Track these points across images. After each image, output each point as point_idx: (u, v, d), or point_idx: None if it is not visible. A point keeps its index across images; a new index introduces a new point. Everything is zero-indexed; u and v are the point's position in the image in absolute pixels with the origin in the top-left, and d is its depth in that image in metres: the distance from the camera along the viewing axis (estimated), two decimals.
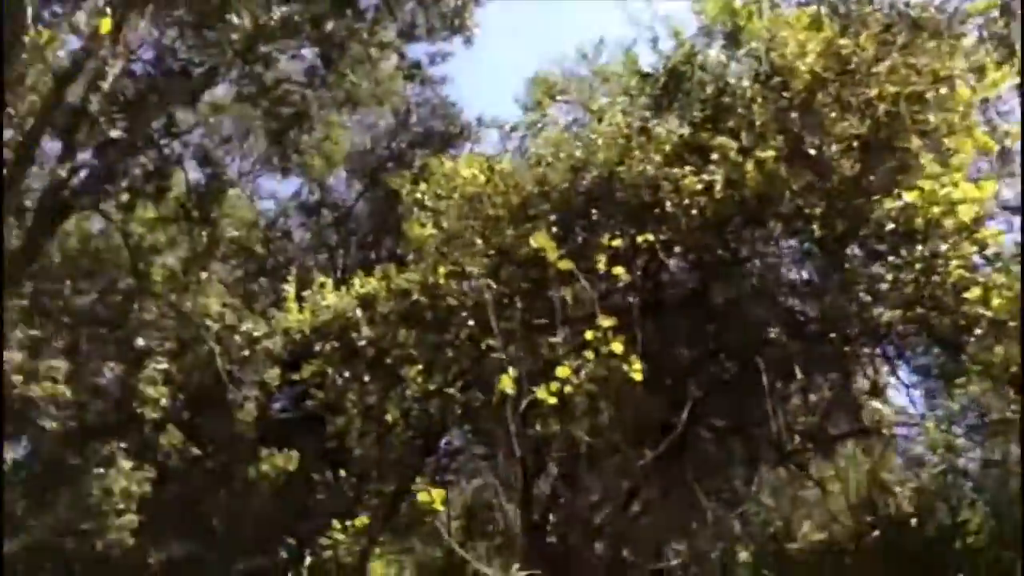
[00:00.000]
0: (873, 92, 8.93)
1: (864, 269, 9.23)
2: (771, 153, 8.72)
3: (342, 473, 18.72)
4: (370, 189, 25.09)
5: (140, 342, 20.23)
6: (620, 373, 6.16)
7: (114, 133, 13.11)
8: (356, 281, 11.88)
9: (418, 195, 11.37)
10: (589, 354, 6.10)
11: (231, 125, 22.16)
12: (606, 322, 5.91)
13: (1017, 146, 9.49)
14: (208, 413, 21.65)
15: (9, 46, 9.15)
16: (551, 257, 5.56)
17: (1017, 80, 9.19)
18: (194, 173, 16.41)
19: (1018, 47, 9.06)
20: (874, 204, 8.56)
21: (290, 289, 12.31)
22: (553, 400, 5.85)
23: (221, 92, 16.96)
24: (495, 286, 9.64)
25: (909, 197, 7.91)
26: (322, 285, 11.90)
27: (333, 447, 16.34)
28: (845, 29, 9.45)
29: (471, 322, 9.87)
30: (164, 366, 19.81)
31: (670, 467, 8.38)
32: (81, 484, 18.96)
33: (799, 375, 10.02)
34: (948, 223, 7.94)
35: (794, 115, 9.28)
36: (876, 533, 8.72)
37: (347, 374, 12.05)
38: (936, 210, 7.91)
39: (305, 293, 12.13)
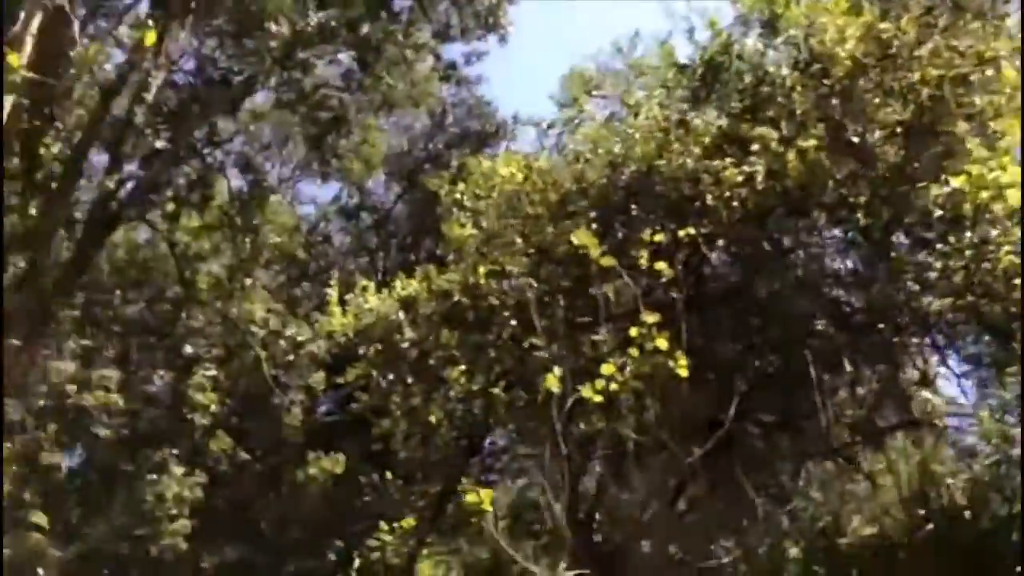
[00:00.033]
0: (916, 76, 8.75)
1: (911, 257, 9.05)
2: (812, 142, 8.59)
3: (388, 475, 18.86)
4: (408, 191, 25.24)
5: (188, 349, 20.59)
6: (665, 369, 6.10)
7: (159, 144, 13.39)
8: (397, 283, 11.94)
9: (457, 195, 11.39)
10: (633, 351, 6.04)
11: (270, 132, 22.46)
12: (650, 318, 5.85)
13: None
14: (255, 418, 21.96)
15: (56, 61, 9.39)
16: (593, 254, 5.52)
17: None
18: (236, 181, 16.71)
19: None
20: (920, 191, 8.38)
21: (333, 293, 12.41)
22: (599, 398, 5.80)
23: (260, 99, 17.22)
24: (536, 285, 9.62)
25: (956, 182, 7.73)
26: (364, 288, 11.97)
27: (379, 449, 16.47)
28: (885, 13, 9.27)
29: (513, 322, 9.85)
30: (212, 372, 20.13)
31: (717, 463, 8.28)
32: (135, 490, 19.32)
33: (847, 367, 9.87)
34: (997, 208, 7.74)
35: (835, 102, 9.13)
36: (929, 527, 8.54)
37: (390, 376, 12.12)
38: (984, 195, 7.71)
39: (347, 297, 12.22)
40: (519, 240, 10.36)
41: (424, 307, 11.49)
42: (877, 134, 8.90)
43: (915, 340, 9.91)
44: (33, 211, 12.07)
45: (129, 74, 12.92)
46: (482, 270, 10.69)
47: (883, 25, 8.99)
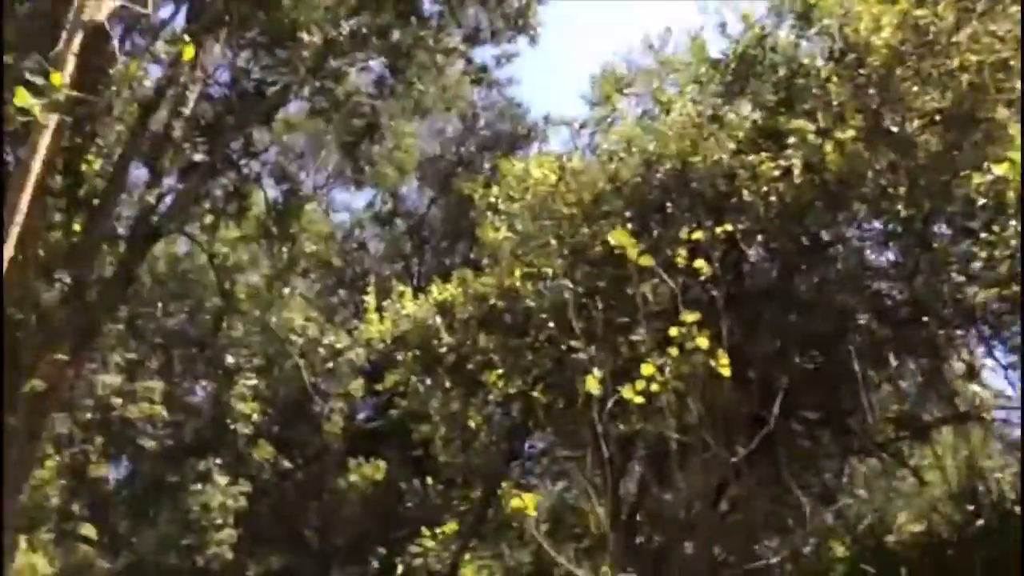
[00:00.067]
0: (954, 63, 8.57)
1: (954, 248, 8.88)
2: (850, 133, 8.45)
3: (429, 480, 18.93)
4: (441, 195, 25.35)
5: (229, 359, 20.85)
6: (707, 368, 6.02)
7: (196, 157, 13.58)
8: (434, 288, 11.97)
9: (491, 199, 11.38)
10: (673, 350, 5.98)
11: (304, 141, 22.69)
12: (690, 317, 5.77)
13: None
14: (296, 426, 22.19)
15: (95, 78, 9.58)
16: (631, 254, 5.46)
17: None
18: (272, 191, 16.87)
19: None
20: (961, 180, 8.20)
21: (370, 300, 12.48)
22: (640, 399, 5.74)
23: (293, 109, 17.41)
24: (572, 286, 9.57)
25: (999, 170, 7.54)
26: (401, 294, 12.01)
27: (419, 455, 16.53)
28: None
29: (551, 324, 9.81)
30: (253, 382, 20.36)
31: (760, 462, 8.17)
32: (180, 501, 19.61)
33: (891, 361, 9.70)
34: None
35: (872, 92, 8.98)
36: (979, 522, 8.35)
37: (429, 382, 12.15)
38: None
39: (385, 303, 12.27)
40: (554, 241, 10.32)
41: (461, 311, 11.49)
42: (916, 123, 8.73)
43: (960, 332, 9.71)
44: (77, 227, 12.31)
45: (167, 89, 13.13)
46: (518, 273, 10.67)
47: (919, 12, 8.82)
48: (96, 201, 12.46)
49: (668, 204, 9.50)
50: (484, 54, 18.00)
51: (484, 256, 11.70)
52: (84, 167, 12.12)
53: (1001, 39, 8.55)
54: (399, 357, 12.31)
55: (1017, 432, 10.14)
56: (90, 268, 12.64)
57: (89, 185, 12.37)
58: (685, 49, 10.79)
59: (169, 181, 14.08)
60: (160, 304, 21.63)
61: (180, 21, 14.23)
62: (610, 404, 6.46)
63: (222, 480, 19.48)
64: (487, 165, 22.73)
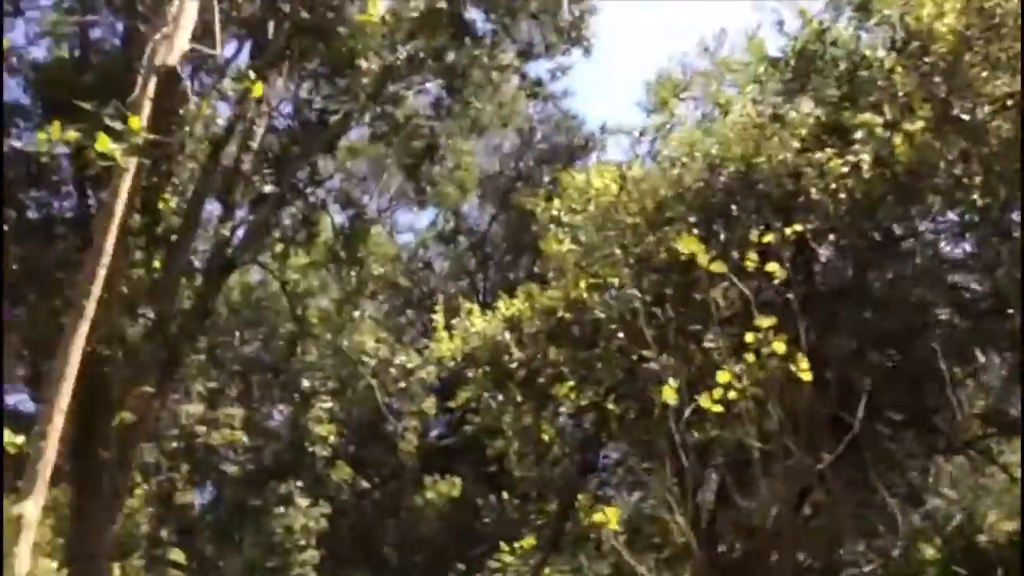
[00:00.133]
0: None
1: None
2: (919, 124, 8.25)
3: (504, 495, 18.97)
4: (502, 211, 25.50)
5: (305, 383, 21.27)
6: (784, 373, 5.92)
7: (266, 189, 13.99)
8: (501, 304, 12.04)
9: (553, 212, 11.41)
10: (750, 356, 5.89)
11: (366, 165, 23.11)
12: (765, 322, 5.69)
13: None
14: (372, 446, 22.51)
15: (168, 118, 9.98)
16: (701, 260, 5.42)
17: None
18: (338, 216, 17.25)
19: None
20: None
21: (438, 319, 12.62)
22: (718, 408, 5.67)
23: (355, 135, 17.76)
24: (640, 294, 9.52)
25: None
26: (469, 312, 12.11)
27: (493, 470, 16.60)
28: None
29: (620, 334, 9.77)
30: (329, 404, 20.73)
31: (844, 465, 7.99)
32: (264, 523, 20.02)
33: (975, 356, 9.41)
34: None
35: (939, 80, 8.76)
36: None
37: (500, 397, 12.19)
38: None
39: (453, 321, 12.39)
40: (618, 251, 10.28)
41: (529, 326, 11.52)
42: (987, 109, 8.49)
43: None
44: (157, 263, 12.79)
45: (235, 124, 13.57)
46: (583, 284, 10.66)
47: None
48: (174, 237, 12.94)
49: (733, 207, 9.39)
50: (538, 68, 18.11)
51: (548, 269, 11.72)
52: (161, 205, 12.61)
53: None
54: (470, 374, 12.40)
55: None
56: (171, 302, 13.12)
57: (166, 222, 12.85)
58: (742, 49, 10.67)
59: (241, 213, 14.57)
60: (237, 333, 22.24)
61: (244, 58, 14.80)
62: (687, 413, 6.41)
63: (303, 502, 19.84)
64: (546, 178, 22.78)
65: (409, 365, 20.15)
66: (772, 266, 6.21)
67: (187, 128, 11.44)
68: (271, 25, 13.66)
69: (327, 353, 21.39)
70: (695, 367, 8.62)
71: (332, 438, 20.59)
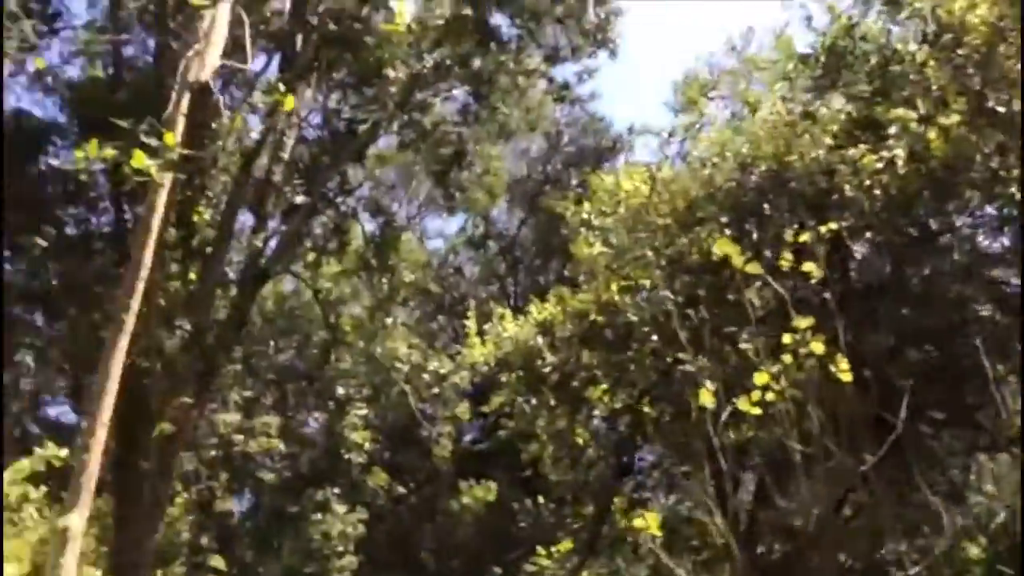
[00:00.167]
0: None
1: None
2: (955, 118, 8.12)
3: (540, 499, 18.96)
4: (531, 215, 25.52)
5: (339, 391, 21.42)
6: (825, 374, 5.84)
7: (297, 199, 14.14)
8: (533, 308, 12.04)
9: (583, 215, 11.39)
10: (787, 357, 5.82)
11: (395, 173, 23.25)
12: (803, 323, 5.61)
13: None
14: (406, 451, 22.60)
15: (201, 132, 10.13)
16: (736, 262, 5.36)
17: None
18: (368, 224, 17.42)
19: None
20: None
21: (471, 325, 12.66)
22: (756, 410, 5.60)
23: (383, 143, 17.88)
24: (673, 296, 9.47)
25: None
26: (501, 317, 12.13)
27: (528, 475, 16.59)
28: None
29: (653, 336, 9.72)
30: (364, 411, 20.84)
31: (886, 465, 7.87)
32: (302, 530, 20.16)
33: (1018, 351, 9.22)
34: None
35: (973, 72, 8.62)
36: None
37: (534, 401, 12.19)
38: None
39: (485, 327, 12.42)
40: (650, 253, 10.24)
41: (561, 330, 11.51)
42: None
43: None
44: (193, 276, 12.97)
45: (266, 136, 13.74)
46: (615, 287, 10.63)
47: None
48: (208, 249, 13.12)
49: (765, 206, 9.31)
50: (565, 71, 18.10)
51: (578, 272, 11.71)
52: (195, 218, 12.80)
53: None
54: (503, 379, 12.41)
55: None
56: (207, 313, 13.30)
57: (201, 235, 13.04)
58: (770, 47, 10.60)
59: (273, 224, 14.75)
60: (271, 342, 22.46)
61: (273, 70, 14.99)
62: (724, 416, 6.36)
63: (340, 508, 19.95)
64: (574, 181, 22.75)
65: (442, 371, 20.21)
66: (809, 266, 6.13)
67: (220, 142, 11.60)
68: (299, 38, 13.83)
69: (360, 360, 21.52)
70: (731, 368, 8.55)
71: (367, 445, 20.70)
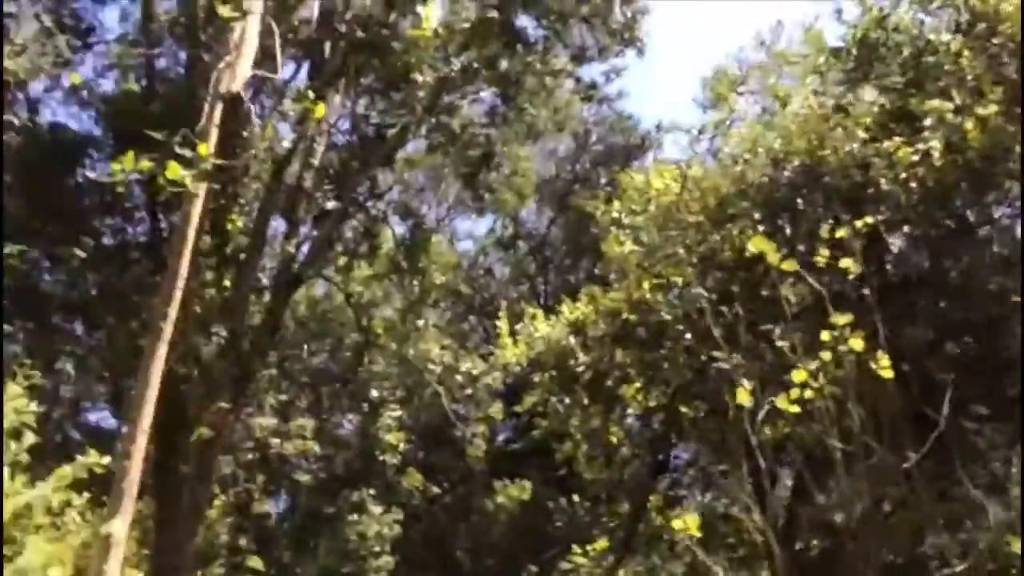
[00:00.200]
0: None
1: None
2: (992, 108, 7.98)
3: (575, 498, 18.93)
4: (560, 214, 25.47)
5: (373, 393, 21.53)
6: (865, 370, 5.75)
7: (328, 205, 14.26)
8: (565, 308, 12.04)
9: (613, 214, 11.36)
10: (826, 354, 5.74)
11: (424, 176, 23.33)
12: (842, 319, 5.54)
13: None
14: (440, 451, 22.67)
15: (233, 141, 10.26)
16: (771, 259, 5.30)
17: None
18: (398, 227, 17.53)
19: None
20: None
21: (502, 326, 12.67)
22: (795, 408, 5.53)
23: (412, 147, 17.97)
24: (706, 293, 9.41)
25: None
26: (533, 317, 12.14)
27: (562, 474, 16.57)
28: None
29: (687, 335, 9.67)
30: (397, 413, 20.93)
31: (928, 461, 7.76)
32: (338, 531, 20.30)
33: None
34: None
35: (1008, 61, 8.46)
36: None
37: (567, 400, 12.18)
38: None
39: (517, 327, 12.43)
40: (681, 250, 10.18)
41: (593, 329, 11.49)
42: None
43: None
44: (227, 282, 13.13)
45: (297, 143, 13.88)
46: (646, 285, 10.58)
47: None
48: (242, 256, 13.27)
49: (799, 201, 9.22)
50: (592, 71, 18.05)
51: (609, 271, 11.67)
52: (229, 226, 12.95)
53: None
54: (535, 378, 12.42)
55: None
56: (241, 319, 13.44)
57: (234, 242, 13.20)
58: (799, 41, 10.49)
59: (304, 229, 14.89)
60: (305, 345, 22.63)
61: (302, 78, 15.14)
62: (762, 414, 6.30)
63: (376, 509, 20.06)
64: (603, 180, 22.66)
65: (474, 371, 20.25)
66: (846, 262, 6.06)
67: (251, 150, 11.73)
68: (327, 45, 13.94)
69: (393, 362, 21.61)
70: (767, 365, 8.48)
71: (402, 446, 20.79)
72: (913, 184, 8.36)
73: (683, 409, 9.70)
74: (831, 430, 6.14)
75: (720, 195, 9.95)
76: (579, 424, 12.24)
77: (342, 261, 16.52)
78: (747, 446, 7.86)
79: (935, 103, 8.35)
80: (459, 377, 20.20)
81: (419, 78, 13.65)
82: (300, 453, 20.98)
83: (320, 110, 6.99)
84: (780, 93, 10.40)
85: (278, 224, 14.90)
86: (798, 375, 5.61)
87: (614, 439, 12.17)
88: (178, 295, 6.11)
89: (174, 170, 5.40)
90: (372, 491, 20.36)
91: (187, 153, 5.56)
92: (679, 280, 10.19)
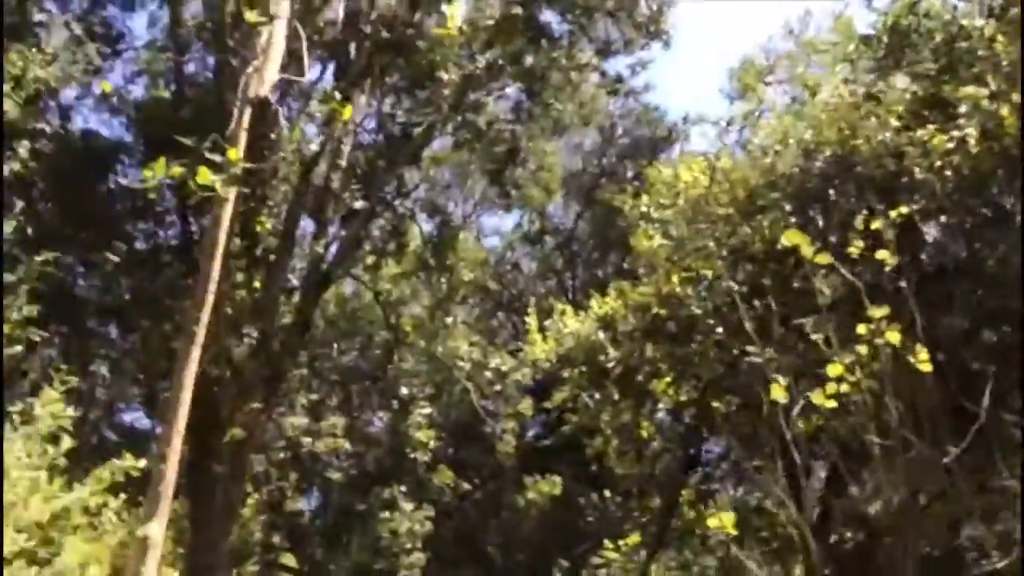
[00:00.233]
0: None
1: None
2: None
3: (606, 493, 18.86)
4: (587, 208, 25.36)
5: (403, 390, 21.60)
6: (902, 364, 5.65)
7: (356, 205, 14.33)
8: (594, 303, 12.00)
9: (642, 208, 11.30)
10: (862, 348, 5.64)
11: (450, 173, 23.33)
12: (878, 312, 5.44)
13: None
14: (470, 448, 22.70)
15: (261, 144, 10.33)
16: (805, 252, 5.22)
17: None
18: (426, 225, 17.57)
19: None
20: None
21: (531, 322, 12.66)
22: (831, 404, 5.44)
23: (438, 145, 17.99)
24: (736, 287, 9.32)
25: None
26: (562, 313, 12.11)
27: (593, 469, 16.53)
28: None
29: (718, 329, 9.58)
30: (427, 410, 20.97)
31: (967, 454, 7.62)
32: (370, 528, 20.40)
33: None
34: None
35: None
36: None
37: (597, 396, 12.15)
38: None
39: (546, 323, 12.41)
40: (711, 243, 10.09)
41: (623, 324, 11.44)
42: None
43: None
44: (257, 284, 13.25)
45: (324, 144, 13.95)
46: (676, 279, 10.51)
47: None
48: (272, 257, 13.38)
49: (830, 191, 9.09)
50: (618, 64, 17.91)
51: (637, 265, 11.62)
52: (258, 228, 13.05)
53: None
54: (565, 374, 12.40)
55: None
56: (272, 320, 13.55)
57: (264, 244, 13.31)
58: (828, 29, 10.34)
59: (333, 229, 14.98)
60: (335, 344, 22.76)
61: (327, 79, 15.22)
62: (797, 409, 6.22)
63: (407, 506, 20.13)
64: (630, 173, 22.54)
65: (503, 368, 20.23)
66: (883, 253, 5.95)
67: (280, 153, 11.81)
68: (352, 46, 13.99)
69: (422, 359, 21.67)
70: (800, 358, 8.38)
71: (432, 443, 20.84)
72: (948, 172, 8.21)
73: (718, 406, 9.61)
74: (869, 425, 6.03)
75: (750, 187, 9.85)
76: (610, 419, 12.20)
77: (370, 260, 16.59)
78: (781, 440, 7.77)
79: (969, 89, 8.19)
80: (488, 373, 20.18)
81: (444, 76, 13.67)
82: (331, 451, 21.10)
83: (348, 112, 6.98)
84: (810, 82, 10.27)
85: (307, 225, 15.03)
86: (834, 369, 5.51)
87: (645, 434, 12.12)
88: (210, 299, 6.13)
89: (204, 175, 5.42)
90: (403, 488, 20.42)
91: (217, 158, 5.58)
92: (709, 273, 10.11)
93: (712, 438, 13.94)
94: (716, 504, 14.03)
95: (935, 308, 8.62)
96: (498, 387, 20.29)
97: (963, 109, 8.24)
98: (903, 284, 6.63)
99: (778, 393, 5.63)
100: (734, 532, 5.68)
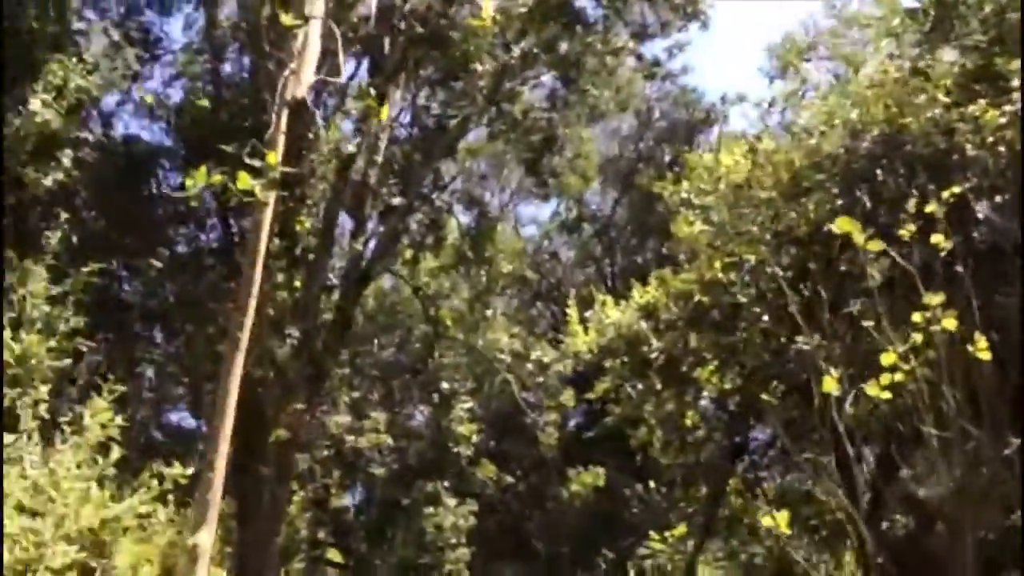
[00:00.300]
0: None
1: None
2: None
3: (651, 484, 18.73)
4: (624, 194, 25.15)
5: (444, 384, 21.61)
6: (959, 350, 5.44)
7: (394, 200, 14.33)
8: (635, 292, 11.87)
9: (682, 194, 11.12)
10: (918, 336, 5.43)
11: (486, 164, 23.24)
12: (935, 299, 5.24)
13: None
14: (511, 440, 22.68)
15: (299, 144, 10.34)
16: (857, 240, 5.04)
17: None
18: (463, 217, 17.52)
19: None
20: None
21: (572, 314, 12.57)
22: (886, 395, 5.26)
23: (473, 136, 17.90)
24: (781, 272, 9.11)
25: None
26: (603, 303, 12.00)
27: (637, 459, 16.41)
28: None
29: (764, 317, 9.39)
30: (469, 404, 20.97)
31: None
32: (414, 522, 20.47)
33: None
34: None
35: None
36: None
37: (640, 386, 12.02)
38: None
39: (587, 314, 12.31)
40: (754, 228, 9.89)
41: (665, 313, 11.29)
42: None
43: None
44: (298, 283, 13.30)
45: (361, 141, 13.95)
46: (718, 265, 10.33)
47: None
48: (311, 256, 13.42)
49: (878, 171, 8.83)
50: (654, 47, 17.68)
51: (677, 252, 11.46)
52: (298, 227, 13.09)
53: None
54: (606, 364, 12.29)
55: None
56: (313, 319, 13.62)
57: (304, 243, 13.36)
58: (871, 3, 10.04)
59: (371, 226, 15.00)
60: (375, 340, 22.85)
61: (362, 74, 15.20)
62: (849, 399, 6.05)
63: (451, 501, 20.17)
64: (667, 157, 22.27)
65: (544, 359, 20.14)
66: (937, 237, 5.73)
67: (317, 153, 11.83)
68: (386, 40, 13.94)
69: (462, 352, 21.66)
70: (849, 345, 8.17)
71: (474, 437, 20.85)
72: (1001, 148, 7.92)
73: (766, 398, 9.42)
74: (926, 416, 5.83)
75: (793, 169, 9.62)
76: (653, 409, 12.07)
77: (409, 254, 16.59)
78: (833, 430, 7.59)
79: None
80: (529, 365, 20.11)
81: (479, 67, 13.58)
82: (374, 447, 21.20)
83: (384, 112, 6.93)
84: (853, 59, 9.99)
85: (345, 222, 15.05)
86: (887, 358, 5.32)
87: (689, 423, 11.98)
88: (253, 303, 6.13)
89: (244, 181, 5.40)
90: (446, 483, 20.45)
91: (256, 163, 5.56)
92: (752, 259, 9.92)
93: (758, 425, 13.73)
94: (764, 492, 13.84)
95: (990, 289, 8.35)
96: (539, 378, 20.20)
97: (1015, 82, 7.95)
98: (959, 268, 6.38)
99: (830, 386, 5.46)
100: (788, 532, 5.52)
